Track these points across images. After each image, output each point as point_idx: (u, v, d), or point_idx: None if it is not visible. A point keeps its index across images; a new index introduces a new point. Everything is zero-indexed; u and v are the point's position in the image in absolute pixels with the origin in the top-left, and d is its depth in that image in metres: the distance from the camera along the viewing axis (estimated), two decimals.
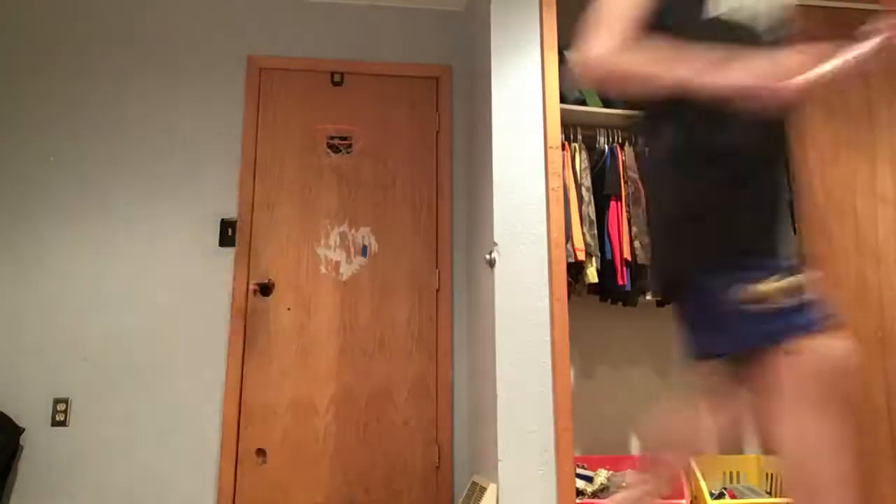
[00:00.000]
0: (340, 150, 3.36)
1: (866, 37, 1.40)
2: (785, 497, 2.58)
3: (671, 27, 1.30)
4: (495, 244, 2.58)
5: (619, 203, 2.83)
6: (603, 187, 2.86)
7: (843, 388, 1.04)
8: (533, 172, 2.64)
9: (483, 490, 2.49)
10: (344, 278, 3.25)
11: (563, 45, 2.94)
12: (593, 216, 2.80)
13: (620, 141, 2.95)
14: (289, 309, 3.18)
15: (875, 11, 3.11)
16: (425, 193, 3.39)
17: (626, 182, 2.86)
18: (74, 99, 3.27)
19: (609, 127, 2.96)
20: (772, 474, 2.80)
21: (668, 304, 2.99)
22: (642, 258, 2.77)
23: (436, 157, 3.43)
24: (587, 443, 3.00)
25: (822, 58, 1.31)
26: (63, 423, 2.96)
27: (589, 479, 2.67)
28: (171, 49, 3.37)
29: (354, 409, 3.14)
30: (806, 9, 2.92)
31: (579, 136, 2.91)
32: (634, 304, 2.94)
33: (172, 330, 3.10)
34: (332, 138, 3.37)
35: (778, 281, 1.11)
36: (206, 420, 3.03)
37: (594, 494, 2.59)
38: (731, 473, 2.90)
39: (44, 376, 2.99)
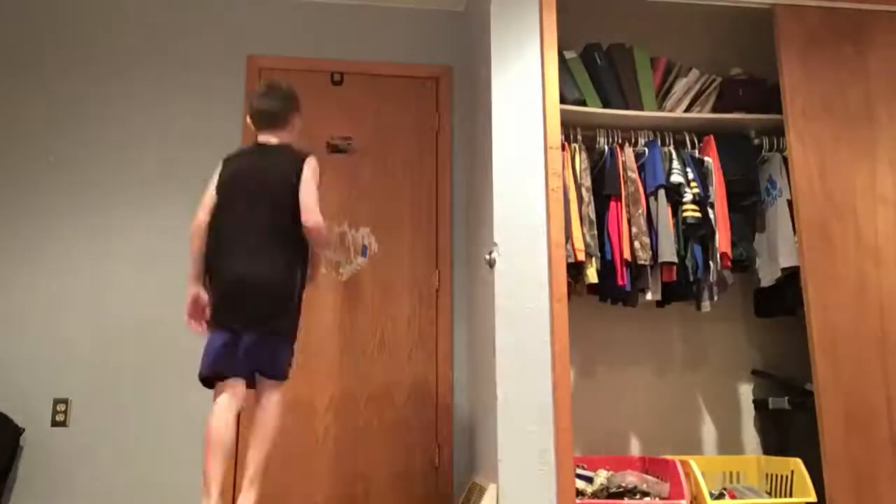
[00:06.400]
0: (340, 150, 3.36)
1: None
2: (785, 498, 2.58)
3: None
4: (495, 244, 2.58)
5: (618, 203, 2.83)
6: (603, 187, 2.86)
7: None
8: (533, 172, 2.64)
9: (483, 490, 2.49)
10: (344, 278, 3.25)
11: (563, 45, 2.94)
12: (593, 216, 2.80)
13: (620, 141, 2.95)
14: None
15: (875, 12, 3.11)
16: (425, 193, 3.39)
17: (625, 182, 2.86)
18: (73, 99, 3.26)
19: (609, 127, 2.96)
20: (772, 474, 2.80)
21: (668, 304, 2.99)
22: (642, 258, 2.77)
23: (436, 157, 3.43)
24: (587, 443, 3.00)
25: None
26: (63, 423, 2.96)
27: (589, 480, 2.67)
28: (171, 49, 3.37)
29: (354, 409, 3.13)
30: (806, 9, 2.92)
31: (579, 137, 2.91)
32: (634, 304, 2.94)
33: (172, 330, 3.09)
34: (333, 138, 3.37)
35: None
36: (205, 420, 3.02)
37: (594, 494, 2.59)
38: (731, 473, 2.90)
39: (44, 376, 2.99)
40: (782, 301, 2.98)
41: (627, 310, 3.08)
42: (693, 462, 2.58)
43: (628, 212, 2.82)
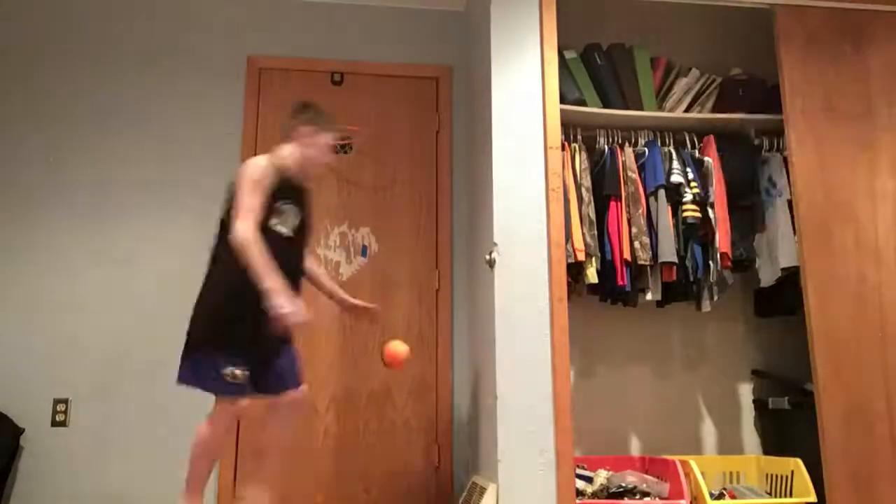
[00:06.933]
0: (340, 150, 3.36)
1: None
2: (785, 498, 2.58)
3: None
4: (495, 244, 2.58)
5: (618, 203, 2.83)
6: (603, 187, 2.86)
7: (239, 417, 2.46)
8: (533, 173, 2.64)
9: (483, 490, 2.49)
10: (344, 278, 3.25)
11: (563, 45, 2.94)
12: (593, 216, 2.80)
13: (620, 141, 2.95)
14: None
15: (875, 12, 3.11)
16: (425, 193, 3.39)
17: (625, 182, 2.86)
18: (73, 99, 3.26)
19: (609, 127, 2.96)
20: (772, 474, 2.80)
21: (668, 304, 2.99)
22: (642, 258, 2.77)
23: (436, 157, 3.43)
24: (587, 443, 3.00)
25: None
26: (63, 424, 2.96)
27: (589, 480, 2.67)
28: (172, 50, 3.37)
29: (354, 409, 3.14)
30: (806, 9, 2.92)
31: (579, 137, 2.91)
32: (634, 304, 2.94)
33: (172, 330, 3.07)
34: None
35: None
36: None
37: (594, 494, 2.59)
38: (731, 473, 2.90)
39: (44, 376, 2.99)
40: (782, 301, 2.98)
41: (627, 310, 3.08)
42: (693, 462, 2.58)
43: (628, 212, 2.82)
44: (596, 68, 3.00)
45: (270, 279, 2.11)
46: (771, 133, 3.02)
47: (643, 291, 2.86)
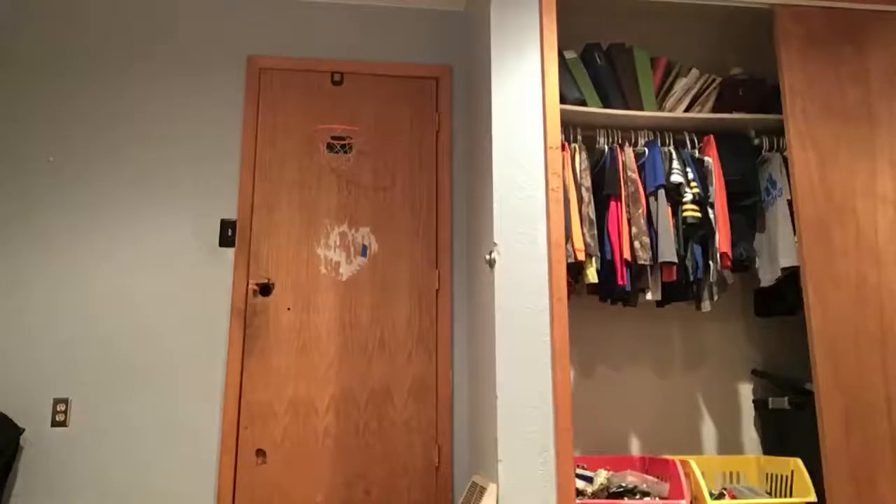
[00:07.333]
0: (340, 150, 3.36)
1: None
2: (785, 498, 2.58)
3: None
4: (495, 244, 2.58)
5: (618, 203, 2.83)
6: (603, 187, 2.86)
7: None
8: (533, 172, 2.64)
9: (483, 490, 2.49)
10: (344, 278, 3.25)
11: (563, 45, 2.94)
12: (593, 216, 2.80)
13: (620, 141, 2.95)
14: (289, 309, 3.18)
15: (875, 12, 3.12)
16: (425, 193, 3.39)
17: (625, 182, 2.86)
18: (73, 99, 3.27)
19: (609, 127, 2.96)
20: (772, 474, 2.80)
21: (668, 304, 2.99)
22: (642, 258, 2.77)
23: (436, 157, 3.43)
24: (587, 443, 3.00)
25: None
26: (63, 424, 2.96)
27: (589, 480, 2.67)
28: (171, 49, 3.37)
29: (354, 409, 3.14)
30: (806, 9, 2.92)
31: (579, 137, 2.91)
32: (634, 304, 2.94)
33: (172, 330, 3.10)
34: (333, 138, 3.37)
35: None
36: (205, 420, 3.03)
37: (594, 494, 2.59)
38: (731, 473, 2.90)
39: (44, 376, 2.99)
40: (782, 301, 2.98)
41: (627, 310, 3.08)
42: (693, 462, 2.58)
43: (628, 212, 2.83)
44: (596, 68, 3.00)
45: None
46: (771, 133, 3.02)
47: (643, 291, 2.86)
